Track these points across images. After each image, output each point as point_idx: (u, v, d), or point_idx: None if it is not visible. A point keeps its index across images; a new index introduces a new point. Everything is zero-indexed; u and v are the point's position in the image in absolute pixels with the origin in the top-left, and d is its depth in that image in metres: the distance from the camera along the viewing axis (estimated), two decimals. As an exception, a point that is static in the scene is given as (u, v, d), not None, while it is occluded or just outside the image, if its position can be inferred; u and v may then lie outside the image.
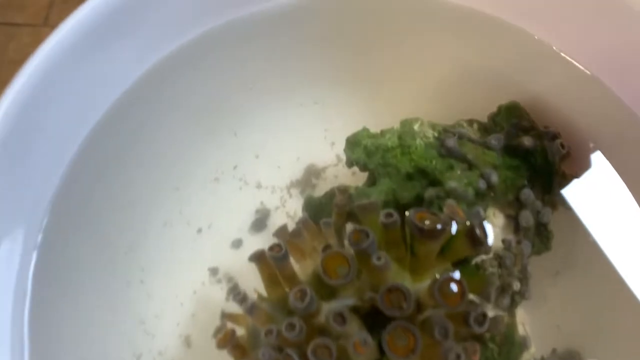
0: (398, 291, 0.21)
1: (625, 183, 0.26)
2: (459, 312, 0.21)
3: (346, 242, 0.24)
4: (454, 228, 0.22)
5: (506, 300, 0.25)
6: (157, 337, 0.25)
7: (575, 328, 0.26)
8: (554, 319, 0.26)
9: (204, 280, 0.27)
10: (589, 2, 0.24)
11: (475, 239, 0.22)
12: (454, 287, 0.21)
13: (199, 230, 0.27)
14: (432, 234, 0.22)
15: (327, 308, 0.22)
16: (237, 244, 0.28)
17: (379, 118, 0.28)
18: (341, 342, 0.21)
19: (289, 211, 0.28)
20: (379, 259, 0.22)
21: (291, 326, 0.21)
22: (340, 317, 0.21)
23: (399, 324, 0.20)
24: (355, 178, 0.28)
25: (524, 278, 0.25)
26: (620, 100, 0.26)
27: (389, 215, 0.22)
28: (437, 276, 0.22)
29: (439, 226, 0.22)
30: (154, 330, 0.25)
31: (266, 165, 0.29)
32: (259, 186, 0.29)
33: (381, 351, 0.22)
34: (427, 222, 0.22)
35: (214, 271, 0.27)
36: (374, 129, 0.27)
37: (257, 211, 0.28)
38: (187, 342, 0.26)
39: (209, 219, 0.28)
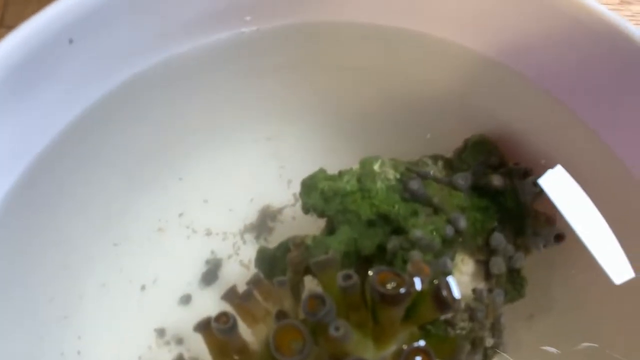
0: (358, 366, 0.19)
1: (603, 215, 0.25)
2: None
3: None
4: (418, 286, 0.20)
5: (478, 357, 0.23)
6: (97, 415, 0.23)
7: (553, 376, 0.25)
8: (529, 367, 0.25)
9: (150, 344, 0.24)
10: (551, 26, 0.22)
11: (442, 301, 0.20)
12: (420, 358, 0.19)
13: (143, 288, 0.25)
14: (395, 299, 0.20)
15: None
16: (186, 299, 0.25)
17: (337, 154, 0.25)
18: None
19: (242, 259, 0.26)
20: (337, 329, 0.19)
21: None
22: (294, 403, 0.18)
23: (360, 405, 0.18)
24: (314, 220, 0.26)
25: (497, 330, 0.23)
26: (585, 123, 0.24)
27: (348, 277, 0.20)
28: (404, 347, 0.20)
29: (402, 290, 0.20)
30: (94, 407, 0.23)
31: (216, 209, 0.26)
32: (208, 233, 0.26)
33: None
34: (389, 286, 0.20)
35: (161, 332, 0.25)
36: (332, 166, 0.25)
37: (208, 261, 0.26)
38: (133, 416, 0.23)
39: (153, 274, 0.25)
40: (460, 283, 0.24)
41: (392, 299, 0.20)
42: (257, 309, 0.22)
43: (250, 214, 0.27)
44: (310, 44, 0.24)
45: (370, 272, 0.20)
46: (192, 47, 0.22)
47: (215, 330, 0.21)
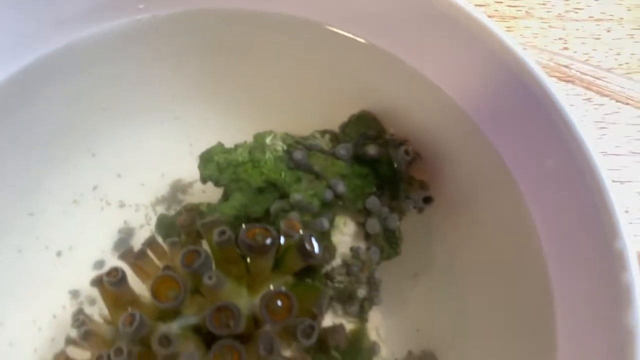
0: (227, 310, 0.21)
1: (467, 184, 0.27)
2: (290, 325, 0.22)
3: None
4: (282, 241, 0.22)
5: (354, 308, 0.25)
6: (10, 367, 0.25)
7: (434, 330, 0.27)
8: (412, 323, 0.27)
9: (64, 304, 0.27)
10: (425, 12, 0.25)
11: (305, 252, 0.22)
12: (280, 302, 0.21)
13: (59, 254, 0.27)
14: (260, 249, 0.22)
15: (166, 329, 0.22)
16: (100, 265, 0.27)
17: (241, 132, 0.28)
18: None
19: (154, 229, 0.28)
20: (210, 278, 0.22)
21: (119, 351, 0.21)
22: (166, 340, 0.21)
23: (224, 343, 0.21)
24: (221, 192, 0.28)
25: (372, 284, 0.26)
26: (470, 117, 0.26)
27: (222, 233, 0.22)
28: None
29: (267, 241, 0.22)
30: (9, 358, 0.25)
31: (129, 183, 0.29)
32: (122, 205, 0.29)
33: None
34: (257, 238, 0.22)
35: (75, 294, 0.27)
36: (234, 142, 0.27)
37: (120, 231, 0.28)
38: (45, 368, 0.26)
39: (69, 242, 0.27)
40: (342, 243, 0.26)
41: (258, 249, 0.22)
42: (150, 267, 0.24)
43: (161, 188, 0.29)
44: (206, 30, 0.27)
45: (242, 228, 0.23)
46: (92, 33, 0.25)
47: (107, 284, 0.23)
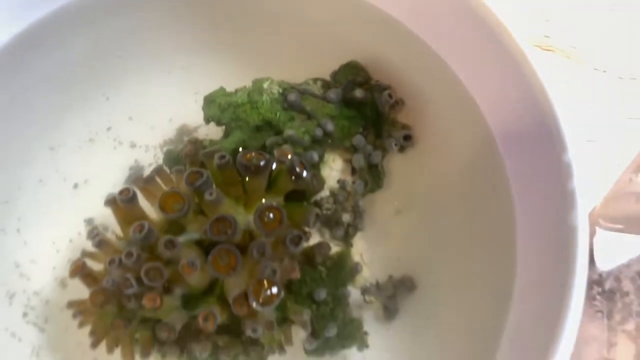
0: (225, 220, 0.24)
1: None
2: (280, 236, 0.25)
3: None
4: (274, 165, 0.25)
5: (340, 232, 0.28)
6: (32, 280, 0.28)
7: (412, 259, 0.29)
8: (394, 252, 0.30)
9: (80, 230, 0.30)
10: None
11: (294, 173, 0.25)
12: (272, 215, 0.24)
13: (75, 186, 0.30)
14: (255, 169, 0.25)
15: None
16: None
17: (241, 80, 0.30)
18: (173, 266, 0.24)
19: (162, 162, 0.31)
20: (210, 194, 0.25)
21: (129, 254, 0.24)
22: (170, 243, 0.24)
23: (222, 247, 0.24)
24: (221, 135, 0.31)
25: (356, 212, 0.28)
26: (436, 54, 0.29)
27: (222, 157, 0.25)
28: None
29: (262, 163, 0.25)
30: (30, 273, 0.28)
31: (140, 126, 0.32)
32: (133, 145, 0.31)
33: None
34: (252, 160, 0.25)
35: (89, 222, 0.30)
36: (234, 88, 0.30)
37: (131, 168, 0.31)
38: (63, 283, 0.28)
39: (84, 176, 0.30)
40: (330, 177, 0.29)
41: (254, 170, 0.25)
42: (158, 190, 0.27)
43: (169, 131, 0.32)
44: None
45: (239, 152, 0.26)
46: None
47: (119, 202, 0.26)
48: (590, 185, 0.30)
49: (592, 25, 0.40)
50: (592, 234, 0.35)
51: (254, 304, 0.23)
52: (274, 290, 0.23)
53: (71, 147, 0.30)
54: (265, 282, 0.23)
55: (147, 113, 0.32)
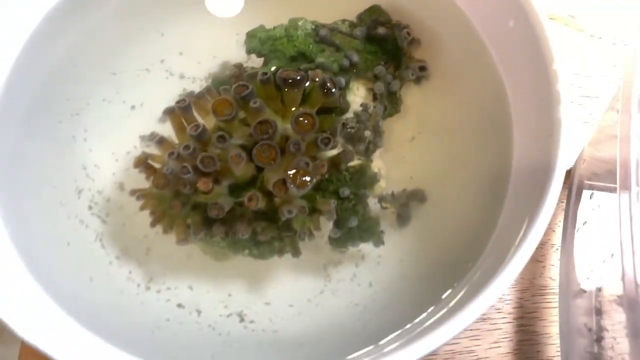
0: (267, 123, 0.29)
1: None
2: (312, 139, 0.29)
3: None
4: (309, 83, 0.30)
5: (362, 146, 0.32)
6: (96, 181, 0.33)
7: (425, 177, 0.34)
8: (408, 172, 0.34)
9: (135, 145, 0.34)
10: None
11: (326, 88, 0.30)
12: (306, 120, 0.29)
13: (133, 107, 0.35)
14: (293, 82, 0.29)
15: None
16: (163, 119, 0.35)
17: (278, 20, 0.35)
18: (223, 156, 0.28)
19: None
20: (255, 102, 0.29)
21: (186, 147, 0.28)
22: (222, 138, 0.28)
23: (264, 142, 0.28)
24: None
25: (377, 131, 0.33)
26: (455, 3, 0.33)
27: (264, 74, 0.30)
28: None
29: (298, 77, 0.29)
30: (94, 175, 0.33)
31: (188, 60, 0.36)
32: (182, 77, 0.36)
33: (258, 169, 0.29)
34: (290, 74, 0.29)
35: (144, 138, 0.34)
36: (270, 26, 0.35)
37: (180, 95, 0.36)
38: (121, 187, 0.33)
39: (140, 100, 0.35)
40: (354, 102, 0.34)
41: (291, 82, 0.29)
42: (207, 105, 0.32)
43: (213, 66, 0.36)
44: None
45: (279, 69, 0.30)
46: None
47: (176, 109, 0.30)
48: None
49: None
50: (581, 177, 0.39)
51: (291, 187, 0.27)
52: (307, 178, 0.28)
53: (130, 74, 0.35)
54: (300, 170, 0.28)
55: (195, 49, 0.36)
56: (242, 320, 0.30)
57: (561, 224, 0.38)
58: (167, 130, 0.32)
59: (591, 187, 0.38)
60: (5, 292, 0.23)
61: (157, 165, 0.30)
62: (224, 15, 0.37)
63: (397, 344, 0.26)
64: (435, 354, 0.35)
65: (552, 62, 0.26)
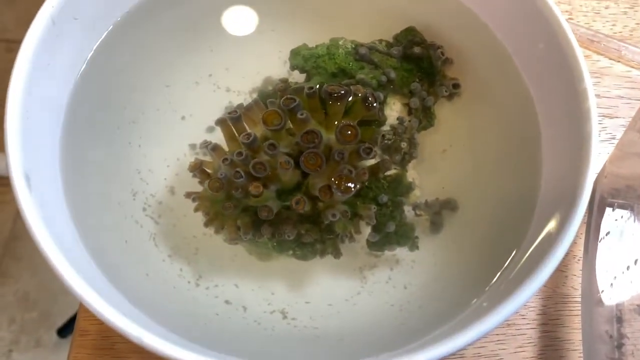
0: (312, 133, 0.31)
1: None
2: (354, 149, 0.31)
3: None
4: (351, 98, 0.32)
5: (398, 157, 0.35)
6: (150, 185, 0.35)
7: (456, 188, 0.36)
8: (440, 182, 0.36)
9: (185, 152, 0.37)
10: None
11: (367, 102, 0.32)
12: (349, 132, 0.31)
13: (183, 117, 0.37)
14: (337, 96, 0.32)
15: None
16: (211, 129, 0.37)
17: (319, 40, 0.38)
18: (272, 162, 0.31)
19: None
20: (302, 114, 0.32)
21: (239, 154, 0.31)
22: (272, 146, 0.30)
23: (311, 151, 0.30)
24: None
25: (412, 143, 0.35)
26: (487, 26, 0.36)
27: (310, 88, 0.32)
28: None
29: (342, 91, 0.32)
30: (148, 179, 0.35)
31: (234, 75, 0.39)
32: (228, 90, 0.39)
33: (303, 175, 0.32)
34: (335, 89, 0.32)
35: (193, 147, 0.37)
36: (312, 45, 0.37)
37: (226, 107, 0.38)
38: (172, 191, 0.35)
39: (190, 110, 0.37)
40: (391, 116, 0.36)
41: (336, 96, 0.32)
42: (256, 116, 0.34)
43: (256, 81, 0.39)
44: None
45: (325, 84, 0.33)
46: None
47: (228, 119, 0.33)
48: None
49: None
50: (602, 192, 0.41)
51: (336, 192, 0.29)
52: (351, 184, 0.30)
53: (181, 86, 0.38)
54: (344, 176, 0.30)
55: (240, 65, 0.39)
56: (284, 317, 0.32)
57: (583, 236, 0.40)
58: (214, 139, 0.34)
59: (612, 204, 0.40)
60: (80, 282, 0.26)
61: (209, 170, 0.33)
62: (269, 33, 0.39)
63: (430, 342, 0.28)
64: (462, 356, 0.36)
65: (582, 81, 0.28)
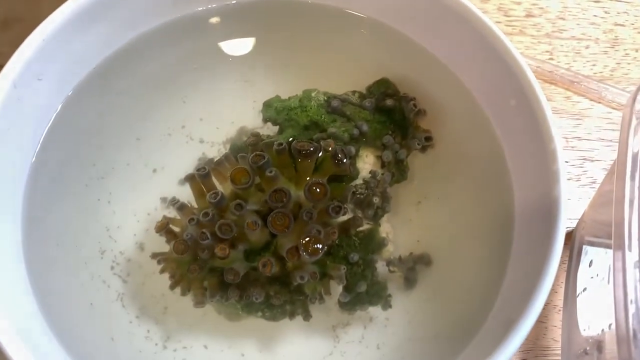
0: (281, 192, 0.30)
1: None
2: (323, 207, 0.31)
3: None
4: (321, 153, 0.32)
5: (371, 211, 0.34)
6: (118, 242, 0.34)
7: (431, 240, 0.35)
8: (415, 235, 0.36)
9: (156, 206, 0.36)
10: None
11: (337, 158, 0.31)
12: (318, 189, 0.30)
13: (154, 170, 0.37)
14: (306, 153, 0.31)
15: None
16: (183, 182, 0.37)
17: (292, 91, 0.37)
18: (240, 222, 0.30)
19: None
20: (270, 172, 0.31)
21: (206, 214, 0.30)
22: (239, 206, 0.30)
23: (279, 211, 0.30)
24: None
25: (385, 197, 0.34)
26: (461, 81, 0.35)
27: (280, 144, 0.32)
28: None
29: (311, 148, 0.31)
30: (116, 236, 0.34)
31: (208, 126, 0.38)
32: (201, 141, 0.38)
33: (272, 235, 0.31)
34: (304, 146, 0.31)
35: (164, 200, 0.36)
36: (286, 96, 0.37)
37: (200, 159, 0.38)
38: (141, 247, 0.35)
39: (162, 163, 0.37)
40: (364, 169, 0.35)
41: (305, 153, 0.31)
42: (226, 171, 0.34)
43: (231, 131, 0.39)
44: (266, 17, 0.37)
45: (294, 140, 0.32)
46: (185, 14, 0.35)
47: (197, 176, 0.32)
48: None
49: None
50: (581, 239, 0.40)
51: (303, 254, 0.29)
52: (319, 245, 0.29)
53: (153, 139, 0.37)
54: (312, 237, 0.29)
55: (215, 116, 0.39)
56: (254, 379, 0.31)
57: (563, 285, 0.39)
58: (186, 191, 0.34)
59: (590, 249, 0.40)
60: (28, 352, 0.25)
61: (177, 229, 0.32)
62: (243, 84, 0.39)
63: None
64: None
65: (551, 142, 0.27)
